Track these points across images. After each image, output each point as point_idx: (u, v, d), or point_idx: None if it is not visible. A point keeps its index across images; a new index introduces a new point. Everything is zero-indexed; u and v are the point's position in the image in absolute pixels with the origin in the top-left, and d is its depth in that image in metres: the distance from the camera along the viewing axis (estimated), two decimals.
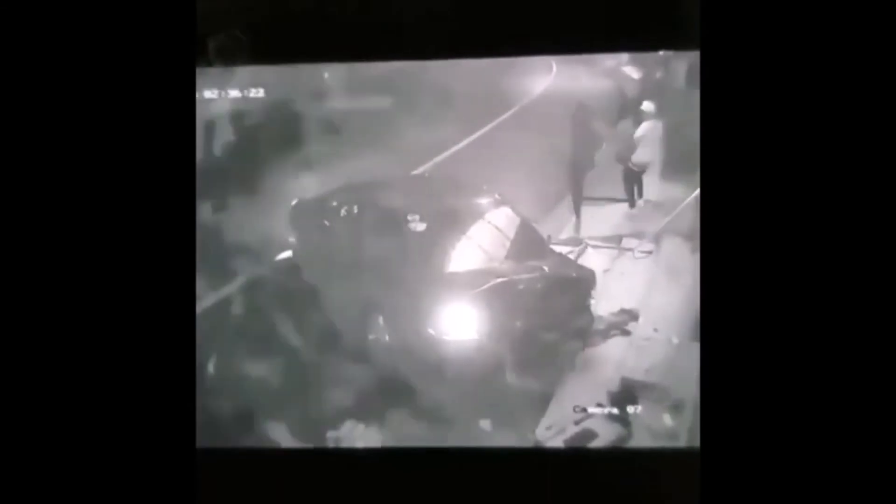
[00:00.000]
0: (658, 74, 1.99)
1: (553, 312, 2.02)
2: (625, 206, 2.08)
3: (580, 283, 2.05)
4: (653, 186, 2.05)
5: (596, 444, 1.90)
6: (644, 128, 2.02)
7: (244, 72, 1.90)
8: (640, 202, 2.07)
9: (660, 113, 1.97)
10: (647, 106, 1.99)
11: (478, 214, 2.09)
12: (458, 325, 1.96)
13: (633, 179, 2.06)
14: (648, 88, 1.99)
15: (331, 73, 1.96)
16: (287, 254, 2.12)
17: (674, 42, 1.84)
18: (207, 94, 1.92)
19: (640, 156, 2.03)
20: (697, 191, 1.88)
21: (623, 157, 2.04)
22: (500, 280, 1.99)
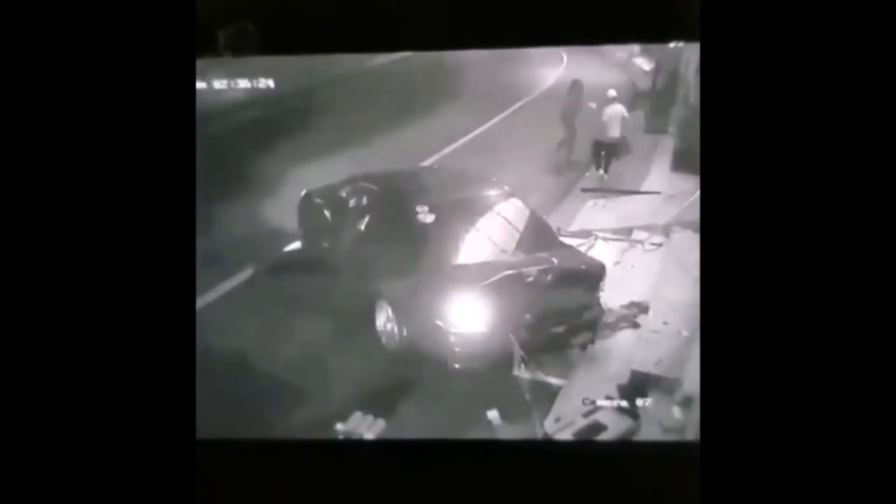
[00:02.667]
0: (669, 65, 1.98)
1: (562, 305, 2.01)
2: (635, 197, 2.08)
3: (590, 276, 2.04)
4: (663, 179, 2.05)
5: (605, 436, 1.90)
6: (609, 111, 2.08)
7: (254, 62, 1.89)
8: (602, 174, 2.11)
9: (622, 100, 2.07)
10: (612, 93, 2.06)
11: (487, 206, 2.09)
12: (467, 317, 1.95)
13: (600, 151, 2.11)
14: (660, 79, 1.99)
15: (340, 64, 1.96)
16: (296, 244, 2.12)
17: (685, 33, 1.83)
18: (217, 84, 1.92)
19: (607, 133, 2.09)
20: None
21: (596, 135, 2.11)
22: (509, 272, 1.98)
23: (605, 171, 2.09)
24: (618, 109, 2.06)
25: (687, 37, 1.83)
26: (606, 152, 2.09)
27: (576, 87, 1.99)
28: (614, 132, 2.07)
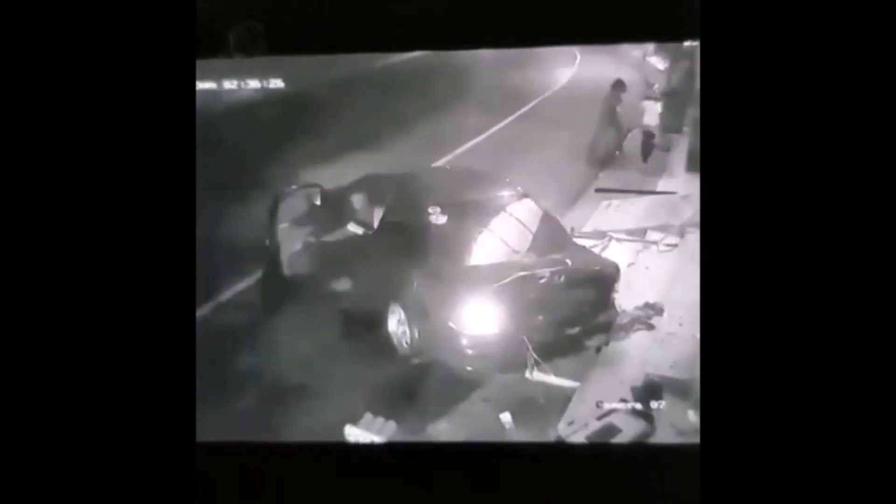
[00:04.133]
0: (683, 64, 1.96)
1: (576, 306, 2.00)
2: (648, 198, 2.07)
3: (603, 277, 2.03)
4: (678, 179, 2.03)
5: (619, 439, 1.88)
6: (647, 103, 2.10)
7: (264, 62, 1.89)
8: (646, 164, 2.12)
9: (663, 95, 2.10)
10: (656, 87, 2.08)
11: (500, 207, 2.07)
12: (479, 319, 1.94)
13: (646, 140, 2.14)
14: (674, 78, 1.98)
15: (352, 64, 1.96)
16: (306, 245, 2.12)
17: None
18: (227, 84, 1.91)
19: (645, 123, 2.10)
20: None
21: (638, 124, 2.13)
22: (522, 273, 1.97)
23: (645, 160, 2.09)
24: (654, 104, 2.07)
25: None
26: (646, 142, 2.09)
27: (619, 85, 2.00)
28: (653, 121, 2.07)
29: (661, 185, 2.08)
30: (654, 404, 1.90)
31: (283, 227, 2.10)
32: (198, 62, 1.83)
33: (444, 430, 1.92)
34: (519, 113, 2.04)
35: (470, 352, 1.93)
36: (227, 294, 2.03)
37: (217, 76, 1.90)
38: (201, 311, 1.96)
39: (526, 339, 1.93)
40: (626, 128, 2.11)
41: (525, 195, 2.07)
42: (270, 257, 2.11)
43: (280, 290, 2.07)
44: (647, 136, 2.10)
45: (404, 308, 2.03)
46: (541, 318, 1.96)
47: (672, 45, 1.93)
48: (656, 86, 2.05)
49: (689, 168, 2.01)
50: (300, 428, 1.94)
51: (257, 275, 2.08)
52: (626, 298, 2.01)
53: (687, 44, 1.87)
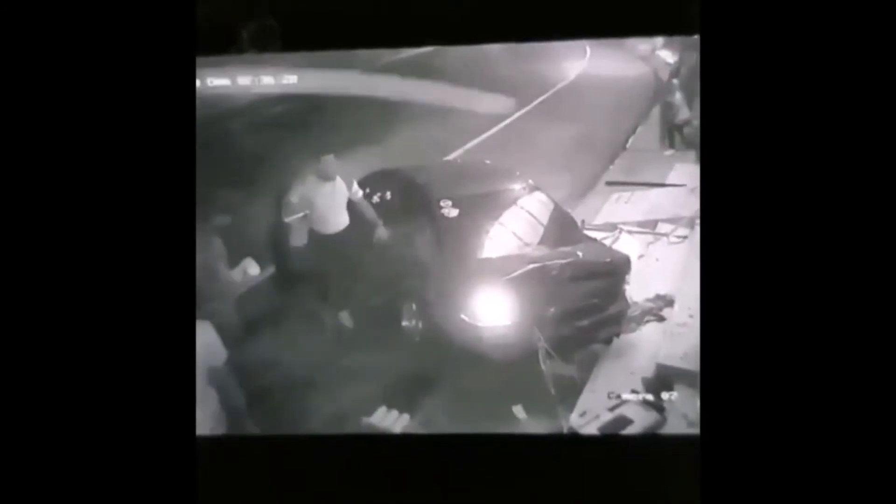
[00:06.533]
0: (692, 57, 1.97)
1: (587, 298, 2.01)
2: (658, 190, 2.08)
3: (614, 269, 2.04)
4: (688, 171, 2.04)
5: (630, 430, 1.89)
6: (679, 95, 2.11)
7: (278, 58, 1.90)
8: (668, 153, 2.14)
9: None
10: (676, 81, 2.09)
11: (511, 200, 2.08)
12: (491, 312, 1.95)
13: (673, 131, 2.14)
14: (683, 71, 1.99)
15: (364, 60, 1.96)
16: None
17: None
18: (241, 80, 1.92)
19: (681, 116, 2.11)
20: None
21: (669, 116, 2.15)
22: (533, 266, 1.98)
23: (672, 145, 2.11)
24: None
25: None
26: (679, 132, 2.10)
27: (676, 75, 2.05)
28: (685, 114, 2.09)
29: (671, 177, 2.09)
30: (665, 395, 1.91)
31: (294, 221, 2.10)
32: (211, 59, 1.87)
33: (456, 422, 1.93)
34: (530, 106, 2.05)
35: (482, 344, 1.94)
36: (240, 288, 2.04)
37: (231, 72, 1.91)
38: (213, 306, 1.97)
39: (537, 331, 1.94)
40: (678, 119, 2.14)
41: (536, 188, 2.08)
42: (282, 252, 2.11)
43: (292, 284, 2.08)
44: (680, 128, 2.11)
45: (416, 301, 2.04)
46: (552, 310, 1.97)
47: (680, 39, 1.93)
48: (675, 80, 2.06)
49: (699, 160, 2.02)
50: (315, 422, 1.95)
51: (270, 269, 2.09)
52: (637, 290, 2.02)
53: (696, 36, 1.87)
